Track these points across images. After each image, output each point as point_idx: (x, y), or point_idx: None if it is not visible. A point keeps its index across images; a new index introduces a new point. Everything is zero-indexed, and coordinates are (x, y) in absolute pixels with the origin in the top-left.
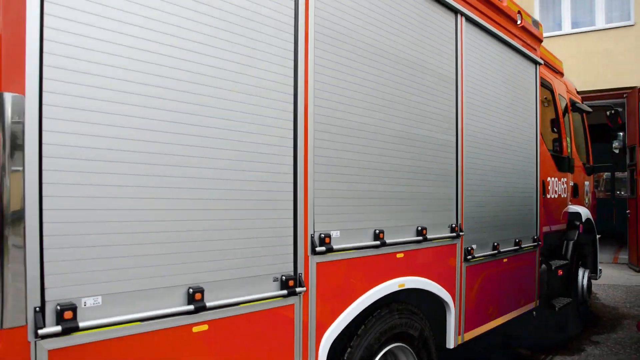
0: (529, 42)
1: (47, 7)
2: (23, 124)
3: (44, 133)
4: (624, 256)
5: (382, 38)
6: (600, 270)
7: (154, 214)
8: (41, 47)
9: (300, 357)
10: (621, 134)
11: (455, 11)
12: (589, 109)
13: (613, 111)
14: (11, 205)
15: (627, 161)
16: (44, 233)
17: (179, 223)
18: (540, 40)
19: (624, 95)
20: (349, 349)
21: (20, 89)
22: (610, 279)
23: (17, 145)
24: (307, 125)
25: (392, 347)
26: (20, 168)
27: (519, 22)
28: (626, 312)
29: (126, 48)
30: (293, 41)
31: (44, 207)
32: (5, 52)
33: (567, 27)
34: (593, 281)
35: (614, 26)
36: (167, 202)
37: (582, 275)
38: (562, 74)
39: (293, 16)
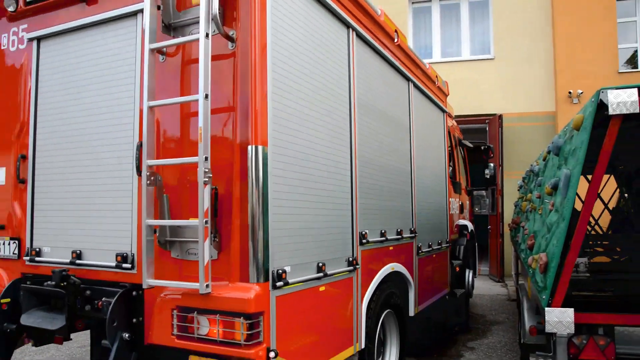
0: (441, 97)
1: (272, 90)
2: (266, 162)
3: (270, 169)
4: (485, 268)
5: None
6: (478, 270)
7: (316, 223)
8: (268, 116)
9: (358, 302)
10: (492, 164)
11: (407, 79)
12: (470, 145)
13: (486, 147)
14: (259, 216)
15: (496, 176)
16: (270, 235)
17: (319, 229)
18: (446, 95)
19: (486, 121)
20: (373, 302)
21: (265, 142)
22: (476, 289)
23: (261, 175)
24: (356, 160)
25: (386, 313)
26: (261, 189)
27: (436, 83)
28: (493, 319)
29: (313, 118)
30: (349, 107)
31: (269, 219)
32: (258, 120)
33: (437, 56)
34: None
35: (478, 58)
36: (325, 217)
37: (468, 273)
38: (451, 116)
39: (348, 94)
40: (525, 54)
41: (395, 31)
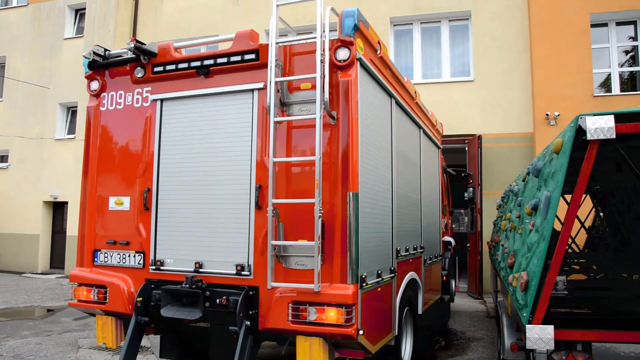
0: (438, 137)
1: (360, 153)
2: (357, 203)
3: (359, 207)
4: (463, 285)
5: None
6: (457, 287)
7: (378, 243)
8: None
9: (394, 300)
10: (471, 189)
11: (419, 127)
12: (453, 173)
13: (466, 174)
14: (353, 239)
15: (476, 197)
16: (359, 252)
17: (379, 247)
18: (441, 135)
19: (466, 141)
20: (402, 301)
21: (356, 189)
22: (455, 306)
23: (353, 212)
24: (394, 196)
25: (406, 310)
26: (354, 222)
27: (436, 125)
28: (472, 335)
29: (376, 169)
30: (390, 157)
31: (359, 241)
32: (353, 174)
33: (418, 77)
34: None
35: (458, 80)
36: (381, 238)
37: (452, 282)
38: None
39: (390, 147)
40: (504, 76)
41: (415, 92)
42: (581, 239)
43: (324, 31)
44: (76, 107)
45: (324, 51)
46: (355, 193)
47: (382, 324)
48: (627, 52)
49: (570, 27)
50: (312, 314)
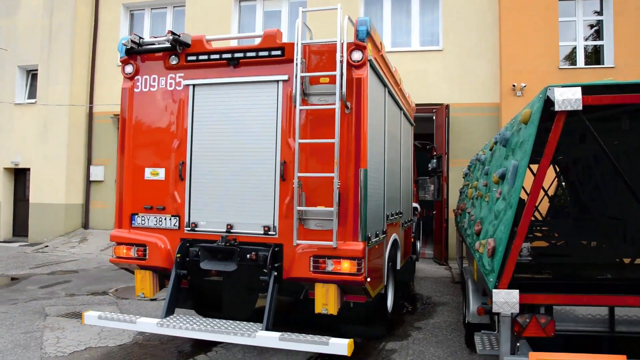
0: (411, 114)
1: (369, 137)
2: (366, 177)
3: (368, 181)
4: (429, 251)
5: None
6: (422, 253)
7: (378, 209)
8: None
9: (385, 256)
10: (434, 160)
11: (400, 108)
12: (419, 145)
13: (429, 146)
14: (363, 206)
15: (440, 167)
16: (367, 216)
17: (378, 212)
18: (414, 112)
19: (433, 110)
20: (388, 257)
21: (365, 166)
22: (421, 272)
23: (363, 184)
24: (385, 169)
25: (390, 265)
26: (363, 192)
27: (411, 105)
28: (438, 300)
29: (376, 148)
30: (384, 137)
31: (367, 207)
32: (364, 154)
33: (387, 46)
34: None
35: (426, 49)
36: (379, 205)
37: (417, 243)
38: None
39: (383, 129)
40: (473, 47)
41: (400, 79)
42: (543, 207)
43: (343, 36)
44: (36, 70)
45: (342, 53)
46: (364, 169)
47: (378, 275)
48: (591, 26)
49: (538, 1)
50: (330, 265)
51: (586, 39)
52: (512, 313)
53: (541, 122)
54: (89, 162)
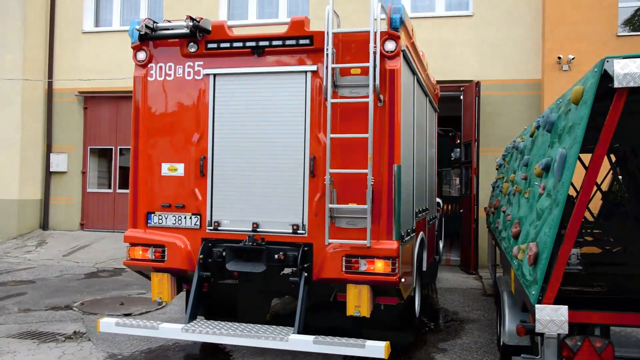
0: (436, 100)
1: (402, 130)
2: (400, 173)
3: (402, 177)
4: (455, 257)
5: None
6: (448, 260)
7: (409, 206)
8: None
9: (414, 253)
10: (458, 149)
11: (427, 95)
12: (441, 132)
13: (452, 134)
14: (397, 203)
15: (462, 158)
16: (401, 214)
17: (409, 209)
18: (438, 95)
19: (461, 89)
20: (416, 256)
21: (399, 162)
22: (446, 282)
23: (397, 181)
24: (415, 164)
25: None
26: (397, 188)
27: (435, 90)
28: (466, 317)
29: (407, 142)
30: (413, 128)
31: (401, 205)
32: (397, 149)
33: (407, 10)
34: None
35: (453, 15)
36: (409, 202)
37: (439, 243)
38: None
39: (412, 120)
40: (509, 11)
41: (427, 63)
42: (595, 205)
43: (376, 25)
44: None
45: (375, 43)
46: (398, 165)
47: (409, 276)
48: None
49: None
50: (363, 265)
51: None
52: (559, 334)
53: (595, 102)
54: (48, 149)
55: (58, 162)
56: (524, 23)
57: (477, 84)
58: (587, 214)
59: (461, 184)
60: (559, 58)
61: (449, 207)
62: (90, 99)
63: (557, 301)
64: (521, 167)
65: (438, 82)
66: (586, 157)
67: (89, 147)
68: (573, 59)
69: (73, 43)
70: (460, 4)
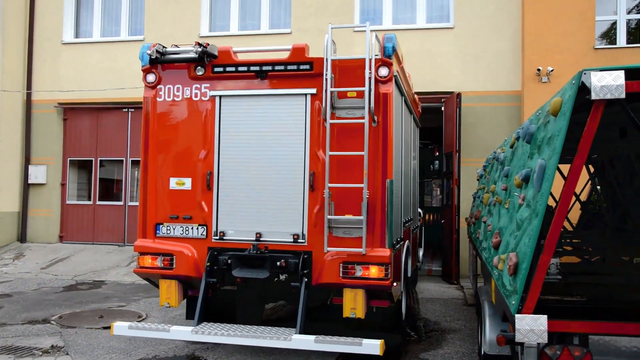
0: (418, 116)
1: (394, 149)
2: (392, 187)
3: (394, 191)
4: (437, 268)
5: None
6: (429, 270)
7: (399, 216)
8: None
9: (404, 261)
10: (437, 161)
11: (411, 112)
12: (421, 145)
13: (431, 147)
14: (389, 214)
15: (444, 169)
16: (393, 224)
17: (398, 220)
18: (420, 114)
19: (442, 100)
20: (404, 263)
21: (391, 177)
22: (427, 292)
23: (389, 194)
24: (402, 177)
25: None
26: (390, 202)
27: (418, 107)
28: (448, 326)
29: (398, 158)
30: (401, 145)
31: (392, 215)
32: (390, 165)
33: (387, 22)
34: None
35: (434, 27)
36: (398, 213)
37: (419, 250)
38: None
39: (401, 137)
40: (490, 23)
41: (412, 84)
42: (574, 215)
43: (371, 53)
44: None
45: (370, 69)
46: (391, 180)
47: (399, 281)
48: None
49: None
50: (359, 271)
51: (629, 12)
52: (539, 343)
53: (574, 114)
54: (27, 160)
55: (37, 174)
56: (505, 35)
57: (459, 95)
58: (566, 224)
59: (442, 195)
60: (539, 70)
61: (430, 216)
62: (70, 111)
63: (537, 311)
64: (501, 177)
65: (419, 93)
66: (565, 168)
67: (68, 158)
68: (552, 70)
69: (52, 54)
70: (441, 16)
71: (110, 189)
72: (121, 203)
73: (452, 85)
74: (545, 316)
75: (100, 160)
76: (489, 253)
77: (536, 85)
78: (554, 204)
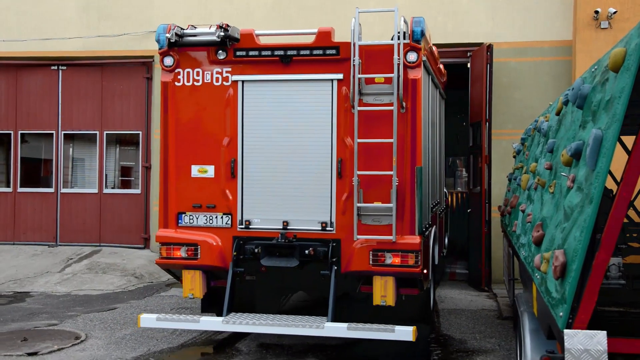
0: (443, 86)
1: (423, 135)
2: (421, 174)
3: (423, 178)
4: (462, 270)
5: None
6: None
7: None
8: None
9: (432, 245)
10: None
11: (437, 87)
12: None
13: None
14: (419, 201)
15: (470, 143)
16: (422, 211)
17: (427, 204)
18: (445, 79)
19: (468, 54)
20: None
21: (420, 163)
22: (451, 301)
23: (419, 181)
24: (430, 159)
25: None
26: (418, 189)
27: (443, 78)
28: (477, 346)
29: (427, 142)
30: (429, 126)
31: (422, 202)
32: (419, 152)
33: None
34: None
35: None
36: (426, 198)
37: (445, 237)
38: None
39: (428, 119)
40: None
41: (438, 56)
42: None
43: (399, 38)
44: None
45: (399, 54)
46: (419, 167)
47: (427, 268)
48: None
49: None
50: (389, 258)
51: None
52: None
53: None
54: None
55: None
56: None
57: (489, 47)
58: (631, 213)
59: (469, 177)
60: (596, 12)
61: (454, 202)
62: None
63: (593, 325)
64: (545, 153)
65: (439, 45)
66: (629, 140)
67: None
68: (615, 13)
69: None
70: None
71: (35, 172)
72: (52, 190)
73: (480, 35)
74: (605, 332)
75: (22, 134)
76: (528, 251)
77: (593, 33)
78: (614, 187)
